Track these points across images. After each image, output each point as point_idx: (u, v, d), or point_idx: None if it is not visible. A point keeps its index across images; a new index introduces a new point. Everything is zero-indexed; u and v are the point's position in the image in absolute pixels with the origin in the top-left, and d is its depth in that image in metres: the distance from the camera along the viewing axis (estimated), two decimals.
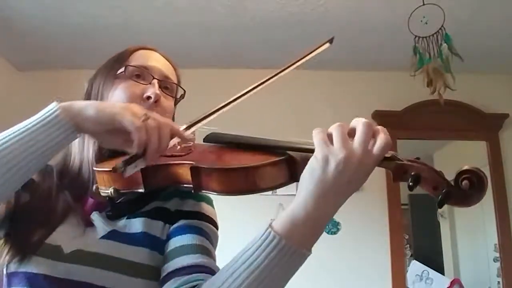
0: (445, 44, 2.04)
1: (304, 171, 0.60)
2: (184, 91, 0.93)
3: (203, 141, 0.77)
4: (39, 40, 2.65)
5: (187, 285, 0.65)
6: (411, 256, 2.86)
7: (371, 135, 0.59)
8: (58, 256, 0.71)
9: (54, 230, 0.74)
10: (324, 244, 3.37)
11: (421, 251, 2.94)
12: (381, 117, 2.92)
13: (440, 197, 0.58)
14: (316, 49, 0.85)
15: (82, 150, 0.84)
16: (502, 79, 3.04)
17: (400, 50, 2.33)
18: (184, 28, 2.58)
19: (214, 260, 0.75)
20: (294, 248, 0.58)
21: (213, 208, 0.87)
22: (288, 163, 0.65)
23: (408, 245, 2.88)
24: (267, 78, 0.80)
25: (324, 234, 3.36)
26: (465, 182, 0.58)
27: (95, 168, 0.77)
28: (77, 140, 0.83)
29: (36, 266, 0.70)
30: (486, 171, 2.85)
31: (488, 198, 2.85)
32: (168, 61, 0.92)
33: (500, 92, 3.03)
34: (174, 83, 0.91)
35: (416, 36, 2.08)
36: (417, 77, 2.10)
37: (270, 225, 0.59)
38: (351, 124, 0.61)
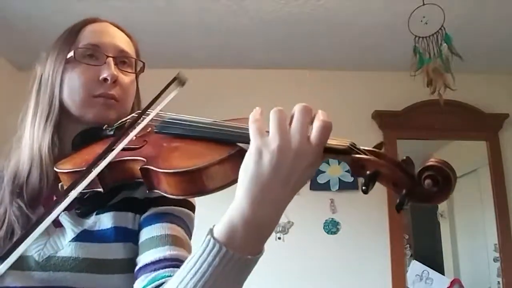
0: (445, 44, 2.04)
1: (241, 167, 0.54)
2: (143, 63, 0.86)
3: (155, 132, 0.72)
4: (39, 40, 2.64)
5: (154, 283, 0.63)
6: (411, 256, 2.86)
7: (309, 120, 0.53)
8: (31, 266, 0.69)
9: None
10: (324, 244, 3.36)
11: (421, 251, 2.94)
12: (381, 117, 2.92)
13: (398, 200, 0.51)
14: (164, 89, 0.74)
15: (31, 146, 0.79)
16: (502, 79, 3.04)
17: (400, 50, 2.33)
18: (184, 28, 2.58)
19: (187, 246, 0.72)
20: (237, 255, 0.52)
21: None
22: (241, 156, 0.58)
23: (408, 245, 2.88)
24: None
25: (324, 234, 3.36)
26: (427, 182, 0.49)
27: (56, 169, 0.74)
28: (26, 135, 0.80)
29: (12, 280, 0.67)
30: (486, 171, 2.88)
31: (488, 198, 2.86)
32: (122, 31, 0.85)
33: (500, 92, 3.03)
34: (132, 57, 0.84)
35: (416, 36, 2.08)
36: (417, 77, 2.10)
37: (211, 231, 0.54)
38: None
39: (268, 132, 0.53)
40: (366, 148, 0.54)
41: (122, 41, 0.83)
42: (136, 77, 0.87)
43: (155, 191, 0.64)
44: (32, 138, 0.79)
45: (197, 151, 0.62)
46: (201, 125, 0.68)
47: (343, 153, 0.53)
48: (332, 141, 0.54)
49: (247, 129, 0.57)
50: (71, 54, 0.79)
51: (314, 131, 0.52)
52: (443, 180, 0.49)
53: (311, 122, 0.53)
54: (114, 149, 0.63)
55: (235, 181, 0.57)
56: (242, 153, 0.58)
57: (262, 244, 0.55)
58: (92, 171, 0.60)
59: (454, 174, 0.49)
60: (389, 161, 0.52)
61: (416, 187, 0.50)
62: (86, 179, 0.59)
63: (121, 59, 0.82)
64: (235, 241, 0.53)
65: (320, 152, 0.52)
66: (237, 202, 0.53)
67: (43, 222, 0.53)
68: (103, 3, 2.30)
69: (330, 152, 0.54)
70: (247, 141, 0.57)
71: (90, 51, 0.80)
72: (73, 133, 0.80)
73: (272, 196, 0.52)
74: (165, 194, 0.63)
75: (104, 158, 0.61)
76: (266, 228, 0.54)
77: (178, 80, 0.75)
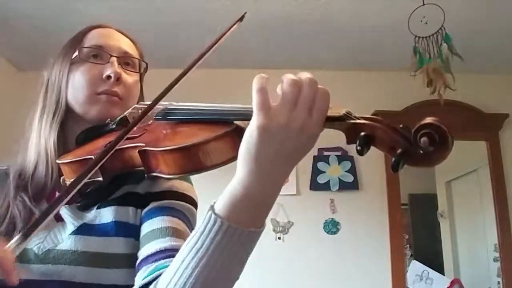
0: (445, 44, 2.05)
1: (242, 141, 0.52)
2: (146, 64, 0.88)
3: (155, 119, 0.74)
4: (39, 40, 2.64)
5: (155, 273, 0.63)
6: (411, 256, 2.87)
7: (314, 94, 0.51)
8: (31, 259, 0.70)
9: None
10: (324, 244, 3.35)
11: (421, 251, 2.94)
12: (381, 117, 2.91)
13: (393, 159, 0.49)
14: (228, 30, 0.79)
15: (38, 143, 0.82)
16: (502, 79, 3.04)
17: (400, 50, 2.33)
18: (184, 28, 2.58)
19: None
20: (240, 229, 0.53)
21: (189, 182, 0.83)
22: (238, 134, 0.58)
23: (408, 245, 2.88)
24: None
25: (324, 234, 3.36)
26: (423, 140, 0.48)
27: (58, 161, 0.77)
28: (34, 135, 0.83)
29: None
30: (486, 171, 2.88)
31: (488, 198, 2.86)
32: (126, 36, 0.88)
33: (500, 92, 3.03)
34: (135, 57, 0.86)
35: (416, 36, 2.09)
36: (417, 77, 2.10)
37: (212, 207, 0.54)
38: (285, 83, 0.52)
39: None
40: (361, 115, 0.54)
41: (126, 45, 0.86)
42: (141, 79, 0.89)
43: (154, 174, 0.64)
44: (39, 135, 0.82)
45: (195, 132, 0.63)
46: (199, 108, 0.69)
47: (340, 120, 0.53)
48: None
49: (245, 109, 0.58)
50: (76, 54, 0.82)
51: (316, 101, 0.51)
52: (440, 138, 0.48)
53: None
54: (122, 135, 0.63)
55: (233, 158, 0.57)
56: (239, 130, 0.59)
57: (265, 217, 0.55)
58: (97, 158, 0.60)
59: (451, 133, 0.48)
60: (385, 124, 0.51)
61: (412, 147, 0.49)
62: (94, 164, 0.59)
63: (125, 60, 0.85)
64: (238, 216, 0.53)
65: (322, 122, 0.52)
66: (239, 177, 0.53)
67: (58, 206, 0.53)
68: (103, 3, 2.29)
69: (327, 121, 0.53)
70: (244, 118, 0.58)
71: (94, 51, 0.82)
72: (77, 131, 0.82)
73: (275, 171, 0.52)
74: (164, 176, 0.63)
75: (114, 145, 0.62)
76: (269, 201, 0.54)
77: (241, 18, 0.77)
